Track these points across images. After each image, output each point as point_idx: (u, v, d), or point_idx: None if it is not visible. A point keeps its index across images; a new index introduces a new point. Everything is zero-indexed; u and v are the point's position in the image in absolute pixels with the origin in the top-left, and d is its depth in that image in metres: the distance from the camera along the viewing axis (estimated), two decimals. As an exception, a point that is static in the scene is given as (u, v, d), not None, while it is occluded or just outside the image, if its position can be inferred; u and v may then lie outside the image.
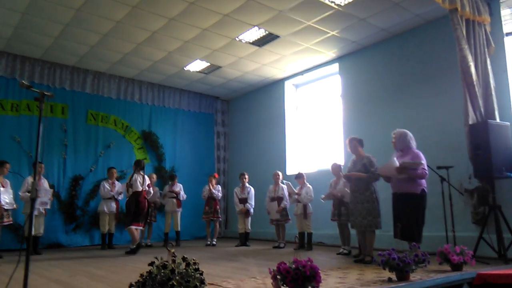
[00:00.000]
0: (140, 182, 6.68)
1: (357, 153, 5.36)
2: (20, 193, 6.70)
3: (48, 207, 6.98)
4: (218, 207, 8.19)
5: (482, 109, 5.34)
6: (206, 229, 8.32)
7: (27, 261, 2.79)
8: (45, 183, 6.94)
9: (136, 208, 6.55)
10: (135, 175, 6.71)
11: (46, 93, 2.95)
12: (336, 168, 6.53)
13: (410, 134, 4.87)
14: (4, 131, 7.66)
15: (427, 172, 4.64)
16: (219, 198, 8.32)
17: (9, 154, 7.43)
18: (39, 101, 2.91)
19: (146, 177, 6.90)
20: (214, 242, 8.03)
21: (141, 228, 6.85)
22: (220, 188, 8.36)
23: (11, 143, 7.68)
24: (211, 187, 8.12)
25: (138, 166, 6.85)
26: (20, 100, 7.91)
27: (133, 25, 6.70)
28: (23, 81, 3.03)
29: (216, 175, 8.63)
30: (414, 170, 4.57)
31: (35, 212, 6.41)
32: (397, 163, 4.60)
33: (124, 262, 5.62)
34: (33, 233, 6.20)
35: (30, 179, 6.80)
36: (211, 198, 8.10)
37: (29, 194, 6.42)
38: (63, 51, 7.78)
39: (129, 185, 6.69)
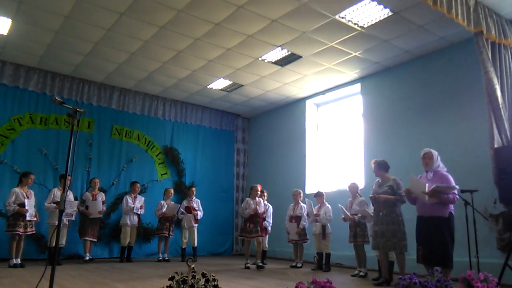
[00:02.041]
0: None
1: (381, 176, 5.32)
2: (45, 204, 6.92)
3: (73, 218, 7.17)
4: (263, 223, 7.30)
5: (508, 133, 5.24)
6: (245, 247, 7.36)
7: (53, 271, 2.86)
8: (70, 195, 7.12)
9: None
10: (87, 193, 7.70)
11: (78, 109, 3.05)
12: (353, 187, 6.48)
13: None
14: (33, 144, 7.93)
15: (458, 197, 4.52)
16: (265, 214, 7.46)
17: (36, 165, 7.72)
18: (71, 117, 3.00)
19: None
20: (265, 262, 7.36)
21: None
22: (266, 203, 7.68)
23: (38, 155, 7.95)
24: (258, 203, 7.14)
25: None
26: (49, 114, 8.20)
27: (160, 44, 6.92)
28: (56, 97, 3.14)
29: (260, 187, 7.43)
30: (447, 194, 4.45)
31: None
32: (426, 187, 4.42)
33: (142, 275, 5.67)
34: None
35: (56, 191, 7.03)
36: (255, 215, 7.07)
37: (55, 205, 6.67)
38: (92, 68, 8.07)
39: (83, 201, 7.61)
